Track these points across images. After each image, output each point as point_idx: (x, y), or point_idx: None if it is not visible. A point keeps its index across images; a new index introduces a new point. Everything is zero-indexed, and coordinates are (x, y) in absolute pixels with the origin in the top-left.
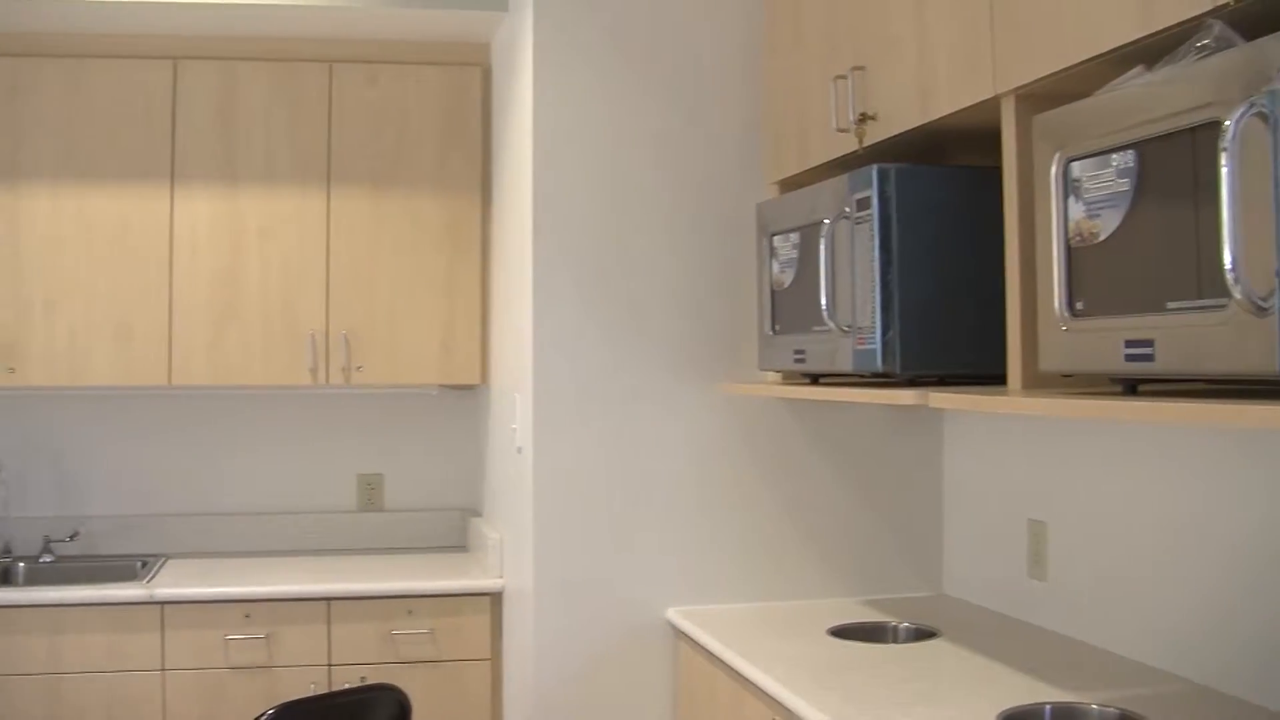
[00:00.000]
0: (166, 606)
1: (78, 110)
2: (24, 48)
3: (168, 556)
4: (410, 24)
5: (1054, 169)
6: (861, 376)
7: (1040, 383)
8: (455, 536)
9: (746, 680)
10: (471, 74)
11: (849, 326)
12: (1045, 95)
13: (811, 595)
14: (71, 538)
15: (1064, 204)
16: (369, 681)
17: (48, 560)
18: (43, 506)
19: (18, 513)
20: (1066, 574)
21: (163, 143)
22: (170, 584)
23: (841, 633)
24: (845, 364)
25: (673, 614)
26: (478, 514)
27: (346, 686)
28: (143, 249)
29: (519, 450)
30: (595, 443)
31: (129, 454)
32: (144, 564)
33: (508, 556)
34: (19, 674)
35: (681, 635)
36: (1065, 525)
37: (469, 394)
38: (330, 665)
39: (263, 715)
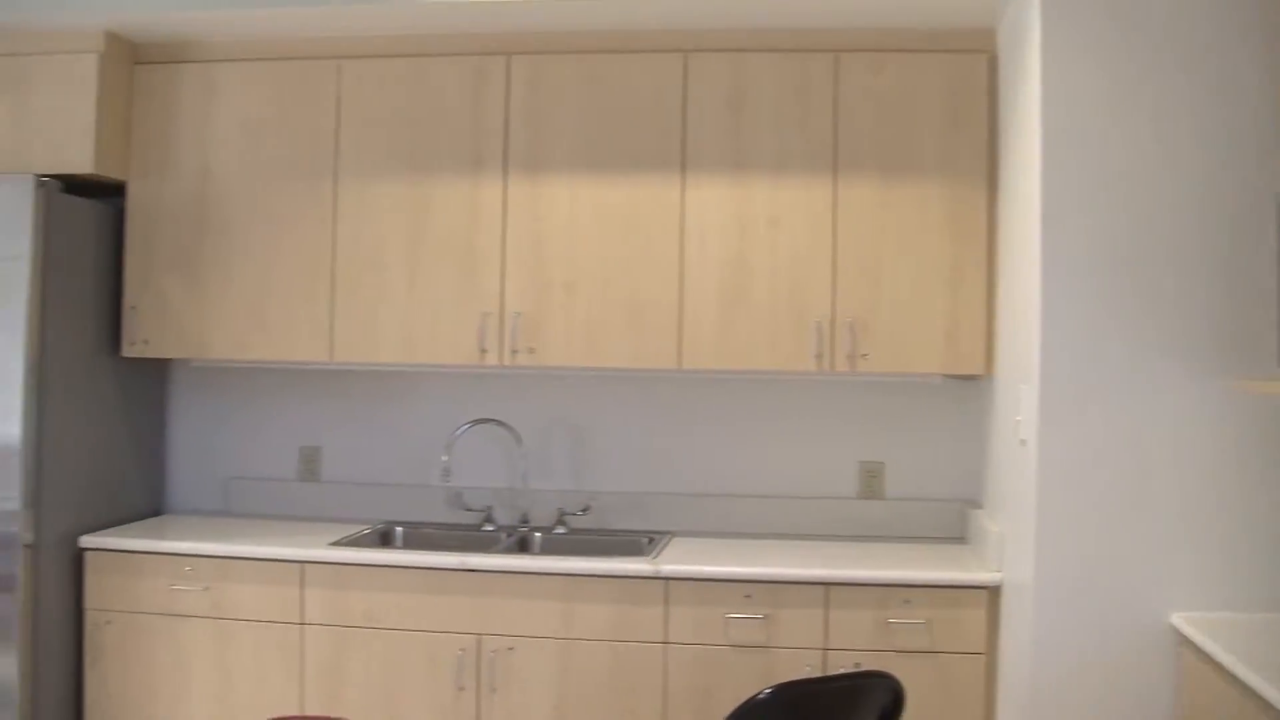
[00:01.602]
0: (670, 583)
1: (593, 103)
2: (544, 45)
3: (673, 534)
4: (915, 11)
5: None
6: None
7: None
8: (954, 528)
9: (1258, 696)
10: (977, 61)
11: None
12: None
13: None
14: (583, 511)
15: None
16: (863, 668)
17: (561, 532)
18: (558, 480)
19: (536, 485)
20: None
21: (673, 133)
22: (675, 561)
23: None
24: None
25: (1177, 619)
26: (978, 506)
27: (841, 671)
28: (654, 236)
29: (1023, 443)
30: (1102, 437)
31: (639, 433)
32: (650, 540)
33: (1007, 550)
34: (535, 636)
35: (1185, 642)
36: None
37: (973, 384)
38: (826, 649)
39: (760, 694)
